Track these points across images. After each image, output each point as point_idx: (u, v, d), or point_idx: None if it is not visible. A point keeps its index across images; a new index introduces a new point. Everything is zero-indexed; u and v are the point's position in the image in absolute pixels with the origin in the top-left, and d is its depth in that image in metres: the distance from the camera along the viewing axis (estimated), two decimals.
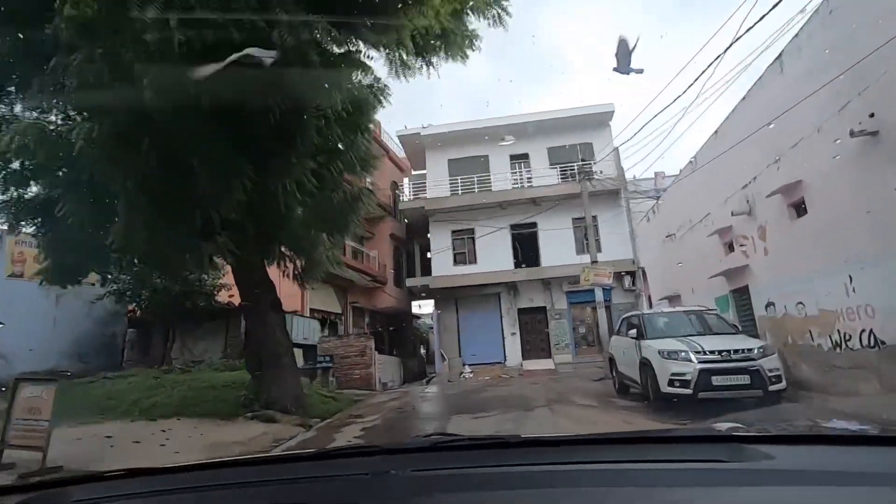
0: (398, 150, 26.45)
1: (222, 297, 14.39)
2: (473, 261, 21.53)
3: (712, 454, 0.97)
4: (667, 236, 14.64)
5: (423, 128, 22.20)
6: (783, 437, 1.10)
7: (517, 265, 21.12)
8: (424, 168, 22.82)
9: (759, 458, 0.91)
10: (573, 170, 21.32)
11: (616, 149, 20.18)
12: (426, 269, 22.37)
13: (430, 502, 0.87)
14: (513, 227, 21.59)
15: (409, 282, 21.70)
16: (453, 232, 21.85)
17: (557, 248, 20.55)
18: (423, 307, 26.17)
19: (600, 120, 21.43)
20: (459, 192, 21.81)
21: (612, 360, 10.39)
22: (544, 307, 20.79)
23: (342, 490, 0.93)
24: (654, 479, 0.89)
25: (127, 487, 1.08)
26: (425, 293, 22.55)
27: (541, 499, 0.83)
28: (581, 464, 1.01)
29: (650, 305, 20.10)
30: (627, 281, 19.77)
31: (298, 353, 13.75)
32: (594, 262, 15.77)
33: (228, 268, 9.47)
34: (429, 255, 22.48)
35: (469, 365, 20.19)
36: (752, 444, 1.00)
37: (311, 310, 18.41)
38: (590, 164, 21.21)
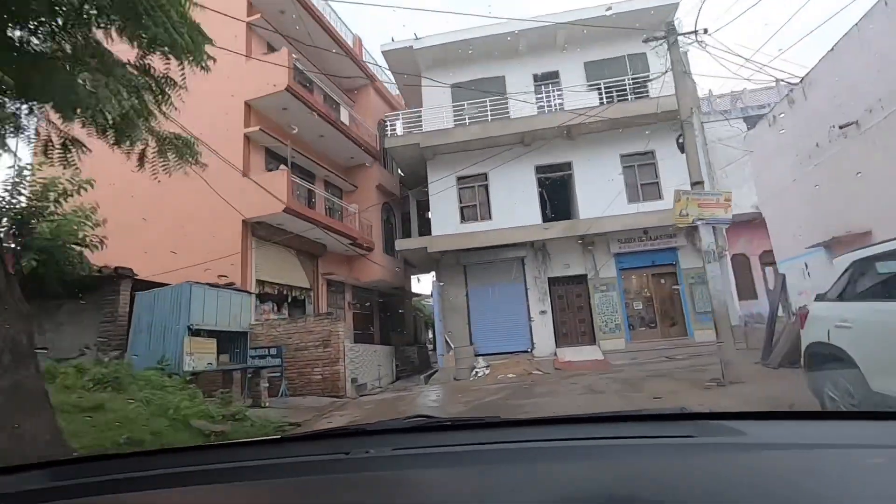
0: (391, 87, 20.83)
1: (103, 258, 9.11)
2: (487, 215, 16.02)
3: (684, 431, 1.02)
4: (840, 128, 8.76)
5: (416, 39, 16.53)
6: (753, 414, 1.15)
7: (546, 219, 15.57)
8: (421, 104, 17.17)
9: (727, 433, 0.98)
10: (619, 91, 15.57)
11: (684, 53, 14.35)
12: (426, 231, 16.91)
13: (409, 478, 0.88)
14: (539, 169, 16.00)
15: (400, 244, 16.21)
16: (459, 178, 16.32)
17: (601, 195, 14.94)
18: (427, 283, 20.69)
19: (660, 17, 15.52)
20: (466, 121, 16.18)
21: (814, 353, 4.69)
22: (584, 275, 15.26)
23: (322, 469, 0.94)
24: (626, 453, 0.93)
25: (102, 470, 1.07)
26: (423, 265, 17.10)
27: (519, 473, 0.84)
28: (558, 440, 1.04)
29: (734, 272, 14.47)
30: (703, 236, 14.06)
31: (211, 346, 8.44)
32: (697, 183, 10.05)
33: None
34: (428, 215, 16.99)
35: (483, 356, 14.83)
36: (723, 420, 1.07)
37: (261, 283, 13.10)
38: (646, 77, 15.45)
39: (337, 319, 12.15)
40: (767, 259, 14.53)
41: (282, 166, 13.58)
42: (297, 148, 14.29)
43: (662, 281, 15.13)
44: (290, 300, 14.57)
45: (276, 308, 13.98)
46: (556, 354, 14.43)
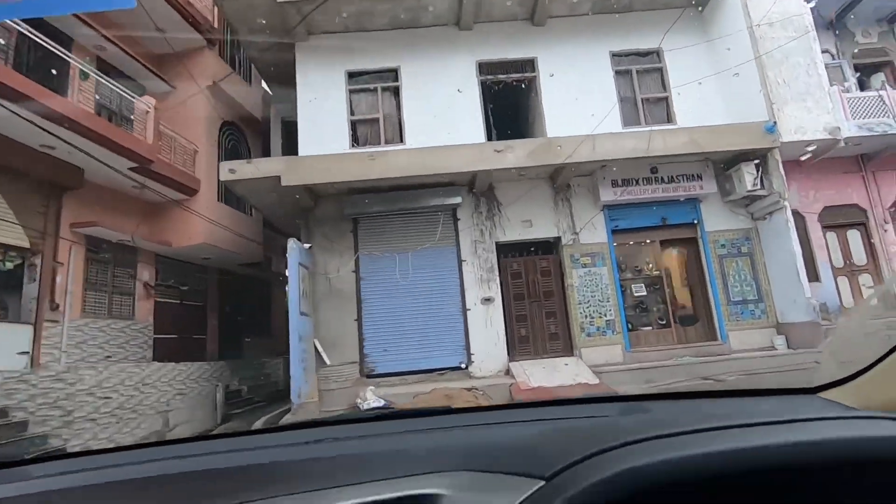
0: None
1: None
2: (397, 136, 9.45)
3: (601, 412, 1.15)
4: None
5: None
6: (663, 395, 1.33)
7: (493, 137, 9.34)
8: None
9: (638, 411, 1.14)
10: None
11: None
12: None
13: (367, 453, 0.96)
14: (484, 68, 9.75)
15: (230, 171, 8.86)
16: (353, 76, 9.63)
17: (580, 114, 9.03)
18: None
19: None
20: None
21: None
22: (556, 240, 9.20)
23: (287, 454, 0.98)
24: (549, 428, 1.06)
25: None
26: (291, 223, 9.93)
27: (460, 442, 1.00)
28: (501, 424, 1.16)
29: (807, 233, 9.16)
30: (746, 177, 8.55)
31: None
32: None
33: None
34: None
35: (379, 378, 8.24)
36: (636, 401, 1.24)
37: None
38: None
39: None
40: (833, 219, 9.38)
41: None
42: None
43: (677, 251, 9.47)
44: None
45: None
46: (510, 373, 8.17)
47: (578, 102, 9.32)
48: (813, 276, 8.96)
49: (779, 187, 8.43)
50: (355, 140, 9.45)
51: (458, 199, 8.92)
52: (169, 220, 9.80)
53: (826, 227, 9.31)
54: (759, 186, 8.54)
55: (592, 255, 9.02)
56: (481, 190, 9.07)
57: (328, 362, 8.32)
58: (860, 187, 9.48)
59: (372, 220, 9.02)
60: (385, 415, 1.39)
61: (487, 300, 8.77)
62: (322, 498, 0.79)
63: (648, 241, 9.35)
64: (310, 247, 8.47)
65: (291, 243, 7.83)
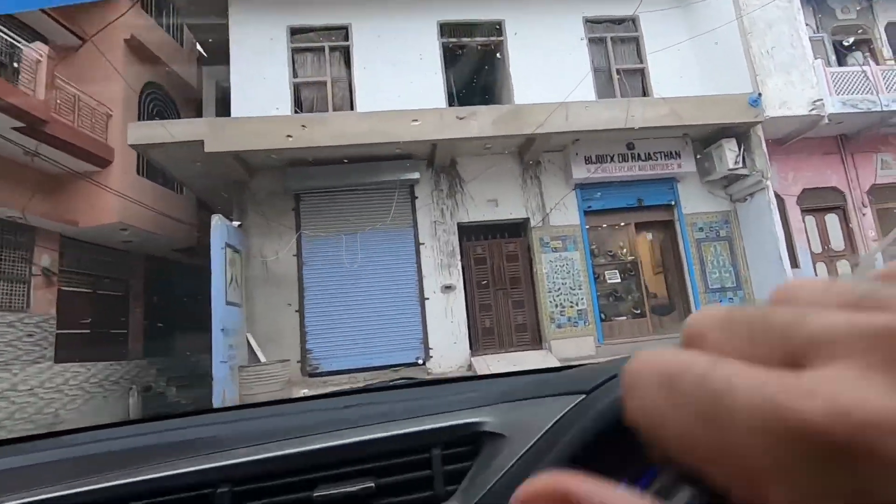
0: None
1: None
2: (346, 102, 8.34)
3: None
4: None
5: None
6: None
7: (456, 102, 8.35)
8: None
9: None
10: None
11: None
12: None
13: (401, 406, 0.92)
14: (446, 29, 8.74)
15: (138, 131, 7.50)
16: (296, 33, 8.42)
17: (551, 82, 8.15)
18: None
19: None
20: None
21: None
22: (523, 221, 8.31)
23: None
24: (577, 368, 0.97)
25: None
26: (225, 201, 8.61)
27: (494, 388, 0.94)
28: (528, 373, 1.18)
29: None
30: (727, 154, 7.90)
31: None
32: None
33: None
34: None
35: (324, 375, 7.18)
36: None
37: None
38: None
39: None
40: (812, 202, 8.91)
41: None
42: None
43: (653, 235, 8.79)
44: None
45: None
46: (472, 369, 7.25)
47: (549, 72, 8.44)
48: (792, 261, 8.43)
49: (761, 166, 7.83)
50: (298, 106, 8.27)
51: (415, 175, 7.88)
52: (75, 195, 8.32)
53: (805, 211, 8.83)
54: (740, 165, 7.91)
55: (563, 238, 8.20)
56: (442, 165, 8.08)
57: (263, 359, 7.16)
58: (839, 169, 9.04)
59: (316, 196, 7.87)
60: (409, 384, 1.28)
61: (448, 288, 7.81)
62: (363, 431, 0.74)
63: (623, 223, 8.62)
64: (240, 224, 7.25)
65: (215, 220, 6.60)
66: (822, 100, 7.95)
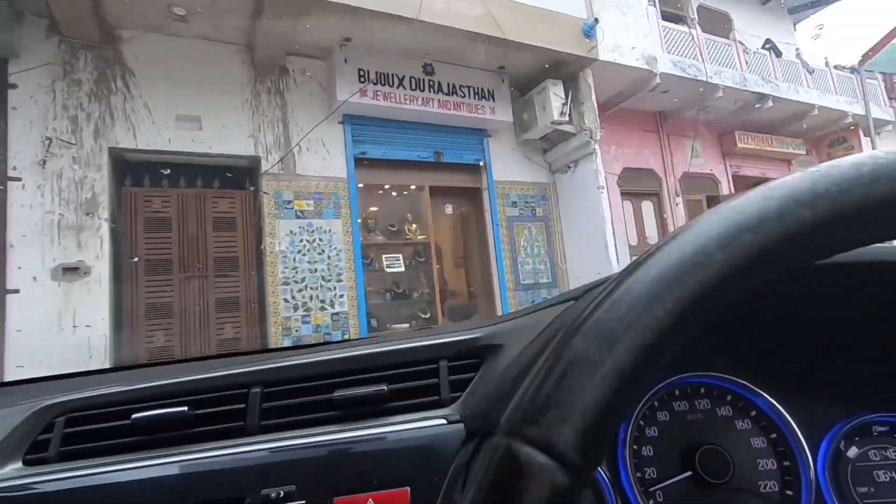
0: None
1: None
2: None
3: None
4: None
5: None
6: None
7: None
8: None
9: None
10: None
11: None
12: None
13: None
14: None
15: None
16: None
17: None
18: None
19: None
20: None
21: None
22: (251, 163, 4.89)
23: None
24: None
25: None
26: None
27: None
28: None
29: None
30: (552, 100, 5.77)
31: None
32: None
33: None
34: None
35: None
36: None
37: None
38: None
39: None
40: (632, 185, 7.45)
41: None
42: None
43: (451, 208, 6.23)
44: None
45: None
46: None
47: None
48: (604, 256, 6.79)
49: (591, 123, 5.87)
50: None
51: (8, 35, 3.83)
52: None
53: (624, 195, 7.35)
54: (566, 118, 5.86)
55: (318, 196, 5.06)
56: (85, 30, 4.18)
57: None
58: (657, 151, 7.86)
59: None
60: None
61: (72, 270, 3.97)
62: (378, 346, 0.78)
63: (414, 185, 5.87)
64: None
65: None
66: (654, 56, 6.40)
